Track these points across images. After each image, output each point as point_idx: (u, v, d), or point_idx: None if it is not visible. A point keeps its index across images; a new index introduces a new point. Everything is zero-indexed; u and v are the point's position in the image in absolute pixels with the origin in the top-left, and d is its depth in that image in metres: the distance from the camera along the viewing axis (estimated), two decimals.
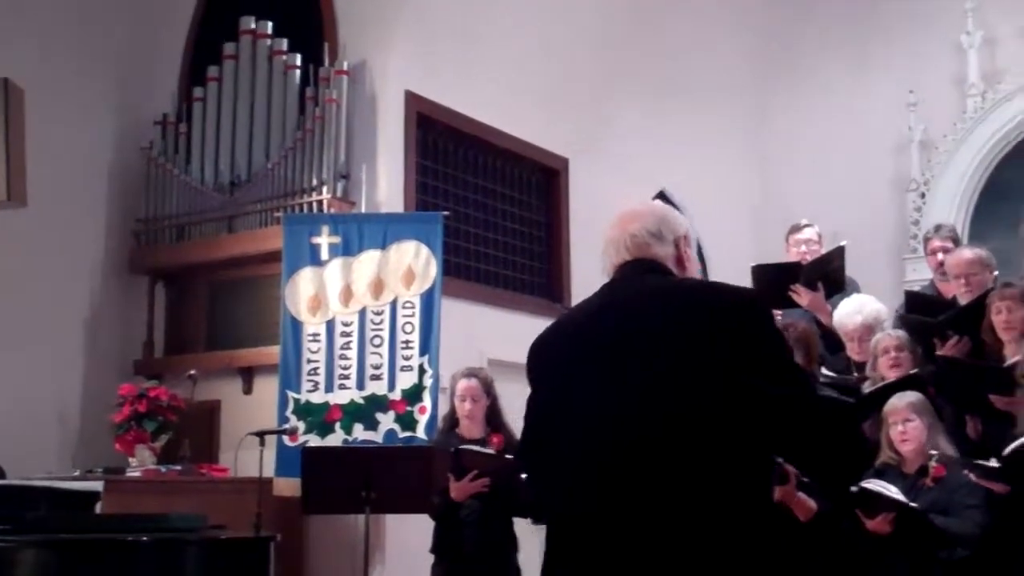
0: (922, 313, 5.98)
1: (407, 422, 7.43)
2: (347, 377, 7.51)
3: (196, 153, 8.54)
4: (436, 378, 7.38)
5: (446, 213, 8.05)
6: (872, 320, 5.88)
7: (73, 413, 8.25)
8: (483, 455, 5.87)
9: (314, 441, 7.30)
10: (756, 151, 11.05)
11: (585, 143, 9.80)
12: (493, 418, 6.13)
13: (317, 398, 7.47)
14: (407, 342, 7.56)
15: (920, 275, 8.43)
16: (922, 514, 4.79)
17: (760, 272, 6.40)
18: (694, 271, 2.87)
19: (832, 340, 6.09)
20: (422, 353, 7.53)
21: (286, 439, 7.26)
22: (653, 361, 2.55)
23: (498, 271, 9.23)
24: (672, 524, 2.46)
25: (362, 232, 7.70)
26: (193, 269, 8.52)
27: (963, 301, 5.84)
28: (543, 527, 6.42)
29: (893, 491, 4.83)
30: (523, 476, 5.77)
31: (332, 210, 7.83)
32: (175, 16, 9.09)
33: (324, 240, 7.66)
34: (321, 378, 7.50)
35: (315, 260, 7.64)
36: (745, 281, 5.99)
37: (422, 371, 7.49)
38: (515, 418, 6.23)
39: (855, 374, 5.84)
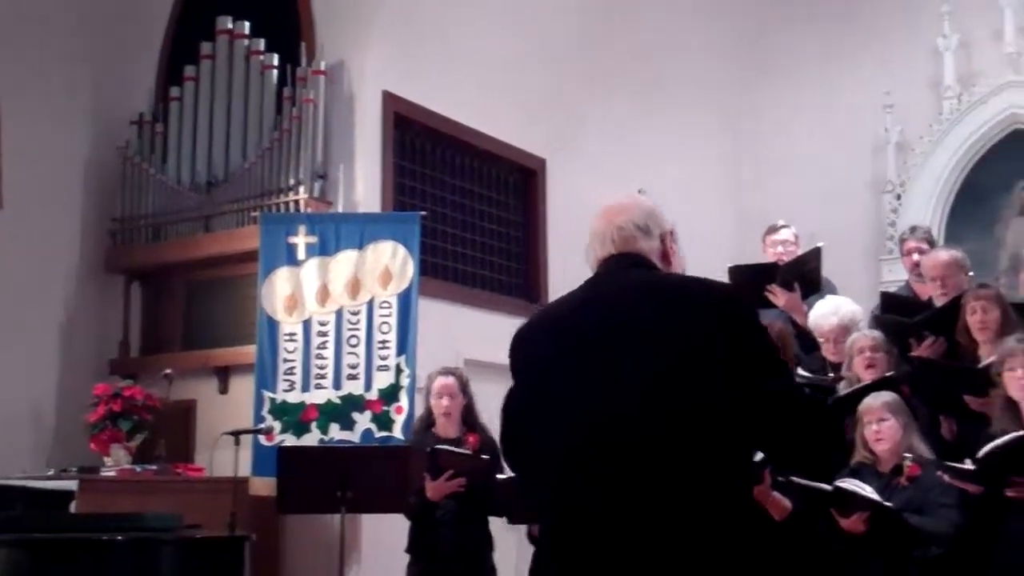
0: (897, 314, 6.00)
1: (384, 422, 7.42)
2: (323, 377, 7.50)
3: (173, 153, 8.51)
4: (413, 378, 7.38)
5: (423, 213, 8.05)
6: (847, 321, 5.90)
7: (48, 412, 8.21)
8: (459, 455, 5.87)
9: (290, 441, 7.28)
10: (733, 152, 11.06)
11: (562, 143, 9.81)
12: (469, 417, 6.14)
13: (293, 398, 7.46)
14: (384, 342, 7.55)
15: (896, 276, 8.46)
16: (896, 513, 4.81)
17: (737, 273, 6.42)
18: (679, 266, 2.86)
19: (808, 340, 6.12)
20: (399, 353, 7.53)
21: (262, 439, 7.25)
22: (638, 357, 2.54)
23: (475, 271, 9.23)
24: (659, 519, 2.46)
25: (339, 232, 7.70)
26: (169, 269, 8.49)
27: (939, 303, 5.86)
28: (519, 527, 6.46)
29: (868, 490, 4.85)
30: (499, 477, 5.82)
31: (309, 210, 7.82)
32: (152, 15, 9.05)
33: (301, 240, 7.65)
34: (297, 378, 7.49)
35: (292, 260, 7.64)
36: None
37: (399, 371, 7.49)
38: (491, 418, 6.25)
39: (830, 375, 5.86)
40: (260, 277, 7.61)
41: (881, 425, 5.04)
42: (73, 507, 6.38)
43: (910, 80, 10.32)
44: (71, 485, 6.64)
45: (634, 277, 2.72)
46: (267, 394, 7.45)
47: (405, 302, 7.59)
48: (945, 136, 10.12)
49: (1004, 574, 4.72)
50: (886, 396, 5.13)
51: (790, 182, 10.45)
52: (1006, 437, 4.55)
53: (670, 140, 10.44)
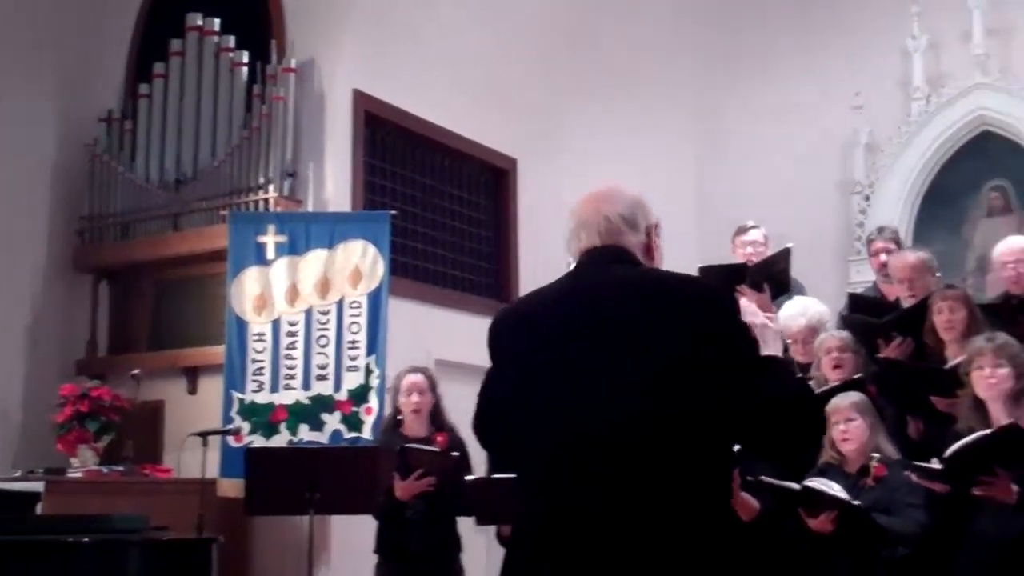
0: (865, 315, 6.03)
1: (353, 423, 7.40)
2: (292, 377, 7.47)
3: (141, 150, 8.48)
4: (383, 378, 7.35)
5: (394, 212, 8.03)
6: (815, 322, 5.92)
7: (14, 413, 8.15)
8: (429, 453, 5.85)
9: (259, 442, 7.26)
10: (703, 152, 11.07)
11: (533, 143, 9.81)
12: (437, 417, 6.12)
13: (262, 398, 7.43)
14: (353, 342, 7.53)
15: (865, 277, 8.48)
16: (864, 513, 4.82)
17: (706, 273, 6.40)
18: (660, 261, 2.85)
19: None
20: (369, 353, 7.51)
21: (231, 439, 7.21)
22: (621, 354, 2.53)
23: (446, 271, 9.21)
24: (644, 517, 2.45)
25: (309, 231, 7.68)
26: (138, 267, 8.45)
27: (906, 304, 5.88)
28: (488, 528, 6.44)
29: (836, 489, 4.86)
30: (468, 478, 5.81)
31: (279, 209, 7.80)
32: (121, 11, 9.00)
33: (270, 239, 7.62)
34: (266, 378, 7.45)
35: (261, 259, 7.60)
36: None
37: (368, 371, 7.47)
38: (459, 418, 6.24)
39: (799, 375, 5.87)
40: (229, 276, 7.57)
41: (848, 425, 5.06)
42: (39, 508, 6.33)
43: (879, 81, 10.36)
44: (37, 486, 6.60)
45: (619, 273, 2.69)
46: (236, 395, 7.42)
47: (375, 302, 7.58)
48: (914, 137, 10.16)
49: (970, 573, 4.74)
50: (853, 396, 5.15)
51: (759, 182, 10.47)
52: (974, 435, 4.57)
53: (640, 140, 10.45)
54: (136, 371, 7.58)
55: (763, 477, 4.75)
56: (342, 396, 7.45)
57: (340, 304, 7.58)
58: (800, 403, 2.64)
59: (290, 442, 7.27)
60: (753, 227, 7.16)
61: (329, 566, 7.42)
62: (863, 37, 10.48)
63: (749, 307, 2.82)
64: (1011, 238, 6.37)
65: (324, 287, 7.59)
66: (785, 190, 10.26)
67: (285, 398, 7.45)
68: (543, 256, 9.72)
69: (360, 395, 7.43)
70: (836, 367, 5.54)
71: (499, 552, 6.24)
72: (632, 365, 2.51)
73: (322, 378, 7.47)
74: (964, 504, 4.74)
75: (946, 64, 10.21)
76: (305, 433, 7.38)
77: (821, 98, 10.48)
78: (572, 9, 9.73)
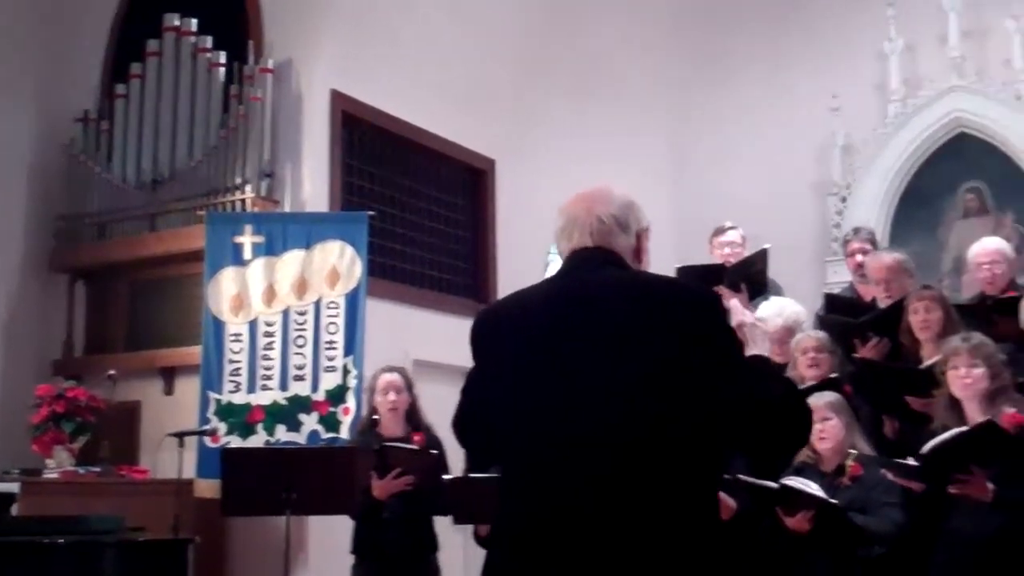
0: (841, 315, 6.06)
1: (331, 423, 7.39)
2: (270, 378, 7.45)
3: (118, 150, 8.44)
4: (360, 379, 7.34)
5: (371, 213, 8.01)
6: (792, 322, 5.94)
7: None
8: (408, 451, 5.84)
9: (236, 442, 7.23)
10: (680, 153, 11.11)
11: (512, 144, 9.81)
12: (413, 417, 6.12)
13: (239, 399, 7.41)
14: (331, 343, 7.52)
15: (841, 277, 8.52)
16: (842, 511, 4.84)
17: (684, 274, 6.43)
18: (648, 264, 2.85)
19: None
20: (346, 354, 7.50)
21: (207, 440, 7.19)
22: (614, 354, 2.53)
23: (424, 272, 9.20)
24: (639, 515, 2.45)
25: (286, 232, 7.66)
26: (114, 268, 8.41)
27: (883, 304, 5.92)
28: (465, 527, 6.43)
29: (814, 488, 4.88)
30: (446, 477, 5.81)
31: (256, 209, 7.77)
32: (97, 11, 8.96)
33: (247, 239, 7.60)
34: (243, 379, 7.44)
35: (238, 259, 7.59)
36: None
37: (346, 372, 7.46)
38: (436, 418, 6.24)
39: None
40: (206, 277, 7.55)
41: (824, 424, 5.07)
42: (15, 509, 6.30)
43: (856, 83, 10.42)
44: (13, 487, 6.57)
45: (609, 275, 2.69)
46: (212, 395, 7.40)
47: (353, 302, 7.57)
48: (890, 139, 10.22)
49: (946, 572, 4.77)
50: (829, 396, 5.17)
51: (736, 183, 10.51)
52: (950, 432, 4.60)
53: (618, 141, 10.47)
54: (112, 372, 7.54)
55: (740, 476, 4.76)
56: (320, 397, 7.44)
57: (317, 305, 7.57)
58: (788, 403, 2.65)
59: (267, 443, 7.25)
60: (731, 228, 7.19)
61: (307, 566, 7.41)
62: (839, 39, 10.53)
63: (738, 307, 2.83)
64: (986, 239, 6.41)
65: (301, 288, 7.58)
66: (762, 191, 10.30)
67: (262, 399, 7.43)
68: (521, 256, 9.74)
69: (338, 396, 7.42)
70: (812, 367, 5.56)
71: (476, 551, 6.25)
72: (624, 366, 2.51)
73: (299, 379, 7.46)
74: (940, 503, 4.77)
75: (922, 66, 10.28)
76: (282, 434, 7.36)
77: (798, 100, 10.53)
78: (550, 11, 9.74)
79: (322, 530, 7.16)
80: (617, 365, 2.52)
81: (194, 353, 7.64)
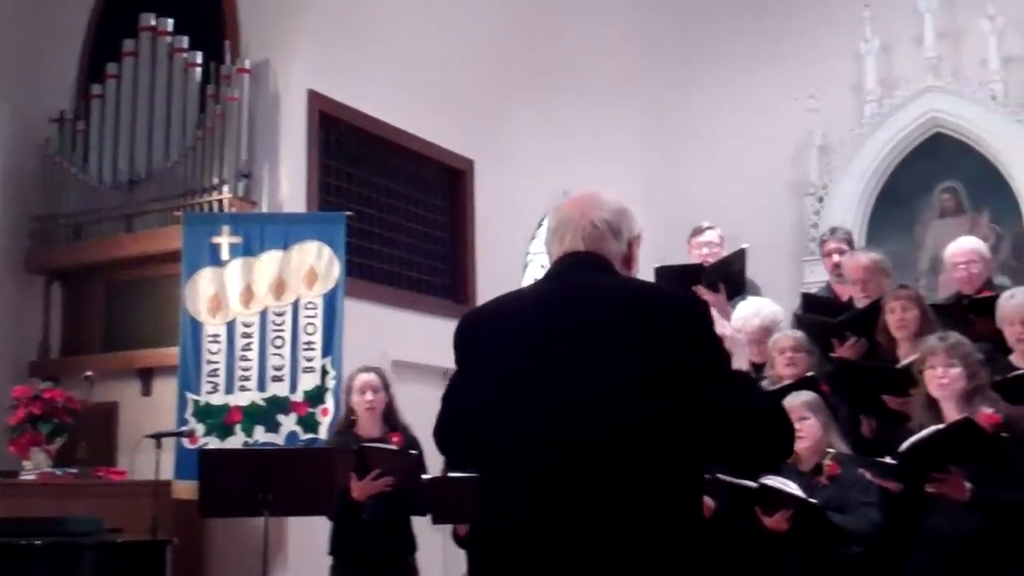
0: (818, 314, 6.08)
1: (309, 424, 7.38)
2: (248, 379, 7.44)
3: (94, 151, 8.40)
4: (339, 379, 7.32)
5: (349, 213, 8.00)
6: (769, 322, 5.96)
7: None
8: (388, 452, 5.83)
9: (214, 443, 7.22)
10: (658, 153, 11.14)
11: (490, 144, 9.81)
12: (390, 417, 6.10)
13: (217, 400, 7.39)
14: (309, 343, 7.51)
15: (818, 277, 8.56)
16: (820, 511, 4.85)
17: (662, 273, 6.43)
18: (637, 273, 2.84)
19: None
20: (324, 354, 7.49)
21: (185, 441, 7.18)
22: (605, 358, 2.53)
23: (402, 272, 9.19)
24: (632, 516, 2.45)
25: (263, 232, 7.64)
26: (90, 269, 8.37)
27: (859, 304, 5.94)
28: (444, 527, 6.42)
29: (793, 487, 4.89)
30: (424, 477, 5.80)
31: (233, 210, 7.75)
32: (73, 11, 8.92)
33: (224, 240, 7.58)
34: (221, 380, 7.42)
35: (215, 260, 7.57)
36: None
37: (324, 372, 7.45)
38: (414, 418, 6.23)
39: (753, 375, 5.90)
40: (183, 277, 7.53)
41: (801, 424, 5.07)
42: None
43: (832, 83, 10.47)
44: None
45: (601, 281, 2.69)
46: (190, 396, 7.38)
47: (331, 303, 7.56)
48: (867, 139, 10.28)
49: (924, 571, 4.78)
50: (806, 395, 5.18)
51: (713, 183, 10.55)
52: (927, 431, 4.61)
53: (596, 141, 10.50)
54: (89, 373, 7.50)
55: (719, 475, 4.77)
56: (298, 397, 7.43)
57: (295, 305, 7.56)
58: (774, 415, 2.66)
59: (245, 443, 7.23)
60: (709, 228, 7.20)
61: (286, 567, 7.39)
62: (816, 40, 10.58)
63: (718, 319, 2.84)
64: (962, 239, 6.45)
65: (279, 288, 7.56)
66: (739, 191, 10.34)
67: (240, 399, 7.41)
68: (499, 257, 9.74)
69: (316, 396, 7.41)
70: (790, 366, 5.58)
71: (455, 552, 6.25)
72: (615, 370, 2.52)
73: (278, 379, 7.45)
74: (917, 502, 4.78)
75: (898, 67, 10.35)
76: (261, 435, 7.35)
77: (775, 100, 10.58)
78: (528, 11, 9.74)
79: (301, 531, 7.14)
80: (608, 369, 2.52)
81: (172, 354, 7.62)
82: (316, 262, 7.59)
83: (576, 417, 2.52)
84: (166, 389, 7.75)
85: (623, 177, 10.48)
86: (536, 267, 10.28)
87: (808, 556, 4.93)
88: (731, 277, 6.44)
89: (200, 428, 7.30)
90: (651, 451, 2.48)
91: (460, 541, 5.94)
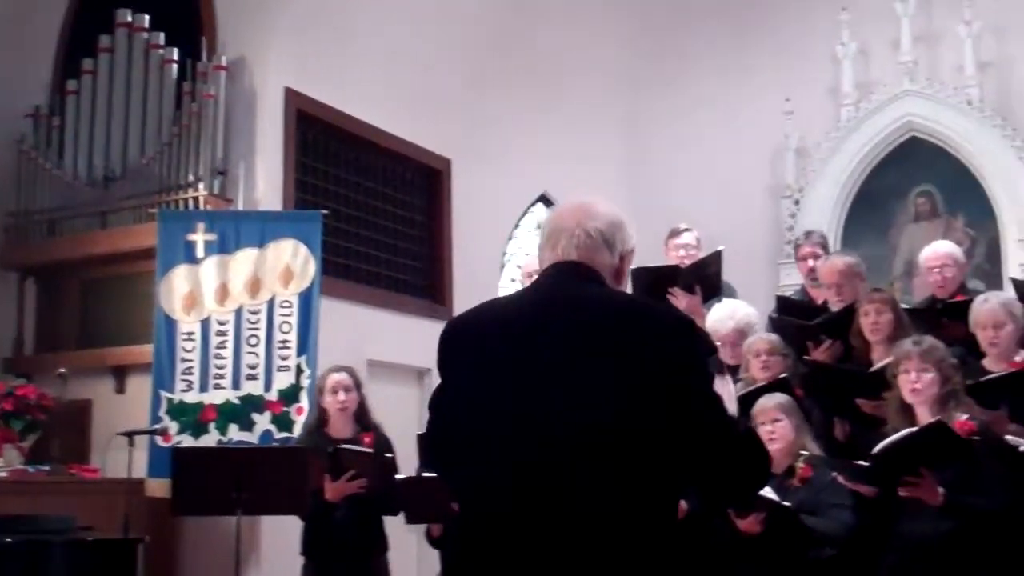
0: (793, 317, 6.09)
1: (283, 423, 7.36)
2: (222, 377, 7.42)
3: (69, 147, 8.37)
4: (313, 378, 7.29)
5: (325, 212, 7.98)
6: (744, 325, 5.97)
7: None
8: (362, 454, 5.83)
9: (188, 442, 7.20)
10: (635, 154, 11.15)
11: (468, 144, 9.80)
12: (362, 417, 6.09)
13: (191, 398, 7.37)
14: (284, 342, 7.49)
15: (794, 280, 8.57)
16: (794, 514, 4.86)
17: (639, 274, 6.44)
18: (625, 288, 2.84)
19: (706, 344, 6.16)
20: (300, 353, 7.48)
21: (159, 439, 7.16)
22: (590, 370, 2.53)
23: (379, 271, 9.17)
24: (616, 521, 2.46)
25: (239, 230, 7.62)
26: (65, 265, 8.34)
27: (834, 308, 5.96)
28: (418, 526, 6.41)
29: (766, 490, 4.89)
30: (398, 476, 5.80)
31: (208, 207, 7.73)
32: (49, 6, 8.88)
33: (200, 237, 7.56)
34: (195, 378, 7.40)
35: (190, 257, 7.54)
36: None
37: (299, 371, 7.44)
38: (389, 418, 6.23)
39: (727, 375, 5.90)
40: (158, 275, 7.50)
41: (774, 426, 5.09)
42: None
43: (809, 86, 10.51)
44: None
45: (590, 292, 2.68)
46: (164, 394, 7.35)
47: (306, 301, 7.54)
48: (843, 142, 10.32)
49: (896, 574, 4.80)
50: (779, 397, 5.19)
51: (690, 185, 10.57)
52: (900, 433, 4.62)
53: (573, 142, 10.50)
54: (63, 370, 7.48)
55: None
56: (272, 396, 7.41)
57: (271, 303, 7.54)
58: (751, 442, 2.68)
59: (219, 442, 7.21)
60: (686, 230, 7.20)
61: (259, 567, 7.37)
62: (793, 43, 10.62)
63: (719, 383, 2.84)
64: (937, 243, 6.48)
65: (254, 286, 7.54)
66: (716, 193, 10.36)
67: (215, 398, 7.39)
68: (476, 256, 9.73)
69: (291, 395, 7.40)
70: (764, 368, 5.59)
71: (429, 552, 6.26)
72: (598, 375, 2.51)
73: (252, 378, 7.43)
74: (890, 505, 4.80)
75: (875, 71, 10.39)
76: (235, 433, 7.33)
77: (752, 103, 10.60)
78: (505, 10, 9.74)
79: (274, 530, 7.12)
80: (591, 374, 2.52)
81: (146, 352, 7.60)
82: (292, 260, 7.58)
83: (557, 420, 2.52)
84: (140, 387, 7.72)
85: (600, 178, 10.49)
86: (513, 267, 10.28)
87: (781, 559, 4.94)
88: (707, 279, 6.45)
89: (174, 426, 7.28)
90: (629, 455, 2.49)
91: (434, 541, 5.94)
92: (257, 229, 7.63)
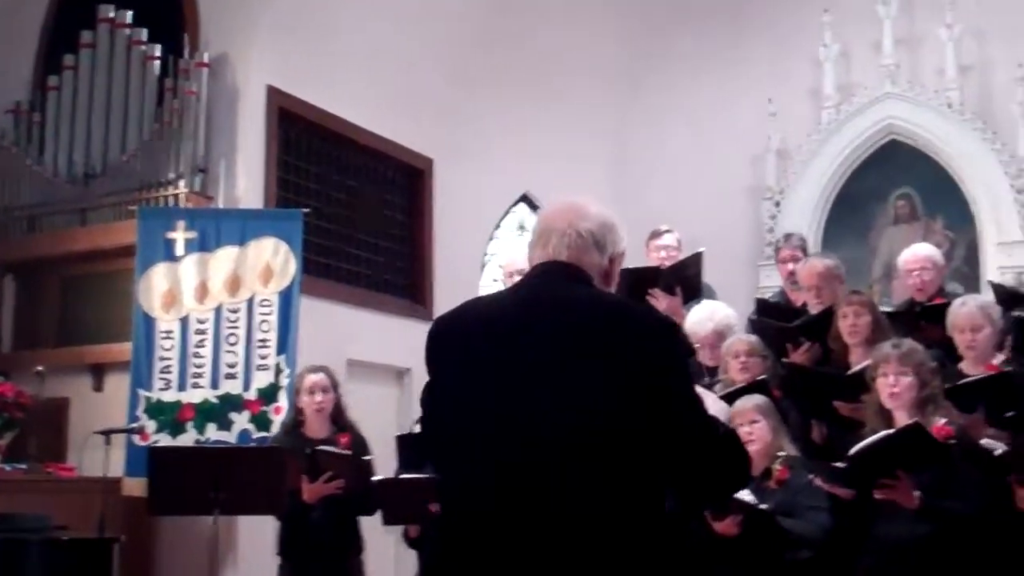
0: (772, 319, 6.11)
1: (262, 422, 7.34)
2: (201, 376, 7.39)
3: (50, 143, 8.35)
4: (293, 378, 7.28)
5: (307, 211, 7.96)
6: (723, 326, 5.97)
7: None
8: (340, 456, 5.82)
9: (165, 441, 7.18)
10: (617, 155, 11.16)
11: (450, 144, 9.79)
12: (339, 417, 6.08)
13: (169, 397, 7.35)
14: (264, 341, 7.47)
15: (775, 281, 8.59)
16: (770, 516, 4.87)
17: (620, 275, 6.45)
18: (613, 290, 2.83)
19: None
20: (279, 352, 7.46)
21: (136, 438, 7.13)
22: (575, 370, 2.53)
23: (360, 270, 9.15)
24: (604, 520, 2.47)
25: (219, 228, 7.60)
26: (44, 262, 8.31)
27: (813, 311, 5.97)
28: (394, 527, 6.40)
29: (743, 492, 4.90)
30: (375, 478, 5.79)
31: (189, 205, 7.71)
32: (31, 1, 8.84)
33: (180, 235, 7.53)
34: (174, 376, 7.37)
35: (170, 255, 7.52)
36: None
37: (279, 370, 7.42)
38: (368, 418, 6.21)
39: (707, 379, 5.92)
40: (137, 272, 7.48)
41: (752, 427, 5.09)
42: None
43: (791, 89, 10.52)
44: None
45: (578, 292, 2.68)
46: (143, 393, 7.33)
47: (286, 300, 7.52)
48: (824, 145, 10.33)
49: None
50: (756, 399, 5.20)
51: (671, 186, 10.58)
52: (877, 435, 4.63)
53: (555, 142, 10.49)
54: (41, 367, 7.45)
55: None
56: (251, 395, 7.39)
57: (251, 302, 7.52)
58: (732, 444, 2.68)
59: (197, 441, 7.19)
60: (667, 231, 7.21)
61: (235, 567, 7.35)
62: (775, 45, 10.63)
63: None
64: (916, 246, 6.50)
65: (234, 285, 7.52)
66: (697, 194, 10.37)
67: (193, 397, 7.37)
68: (458, 256, 9.72)
69: (270, 394, 7.38)
70: (743, 370, 5.59)
71: (406, 553, 6.25)
72: (587, 379, 2.52)
73: (231, 377, 7.41)
74: (867, 507, 4.81)
75: (856, 73, 10.40)
76: (213, 432, 7.30)
77: (733, 104, 10.61)
78: (489, 10, 9.72)
79: (251, 530, 7.10)
80: (581, 379, 2.52)
81: (124, 350, 7.57)
82: (272, 259, 7.56)
83: (543, 420, 2.52)
84: (118, 385, 7.70)
85: (582, 178, 10.48)
86: (494, 267, 10.27)
87: (758, 561, 4.95)
88: (687, 281, 6.46)
89: (151, 425, 7.26)
90: (615, 456, 2.49)
91: (411, 542, 5.93)
92: (238, 227, 7.61)
